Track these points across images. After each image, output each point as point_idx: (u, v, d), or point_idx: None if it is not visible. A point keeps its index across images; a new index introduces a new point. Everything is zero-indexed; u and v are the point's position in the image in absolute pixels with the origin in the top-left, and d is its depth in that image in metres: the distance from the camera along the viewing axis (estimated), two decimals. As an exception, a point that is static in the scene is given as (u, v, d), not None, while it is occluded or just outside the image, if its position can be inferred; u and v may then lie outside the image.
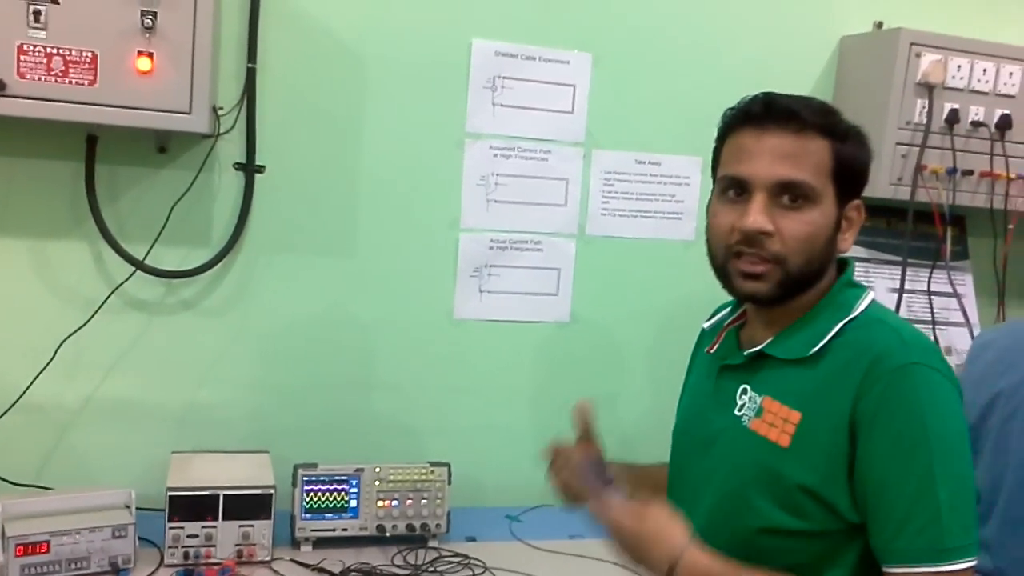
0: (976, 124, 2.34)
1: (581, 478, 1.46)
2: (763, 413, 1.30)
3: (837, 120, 1.29)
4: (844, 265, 1.36)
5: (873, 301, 1.31)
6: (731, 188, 1.29)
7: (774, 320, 1.34)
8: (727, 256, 1.29)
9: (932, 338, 2.42)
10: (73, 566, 1.74)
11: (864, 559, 1.25)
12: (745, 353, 1.36)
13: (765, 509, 1.27)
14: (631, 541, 1.29)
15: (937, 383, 1.20)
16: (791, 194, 1.24)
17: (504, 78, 2.23)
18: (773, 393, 1.30)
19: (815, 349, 1.26)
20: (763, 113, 1.26)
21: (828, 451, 1.22)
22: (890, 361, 1.19)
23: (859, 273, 2.39)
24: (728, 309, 1.51)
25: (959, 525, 1.17)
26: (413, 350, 2.26)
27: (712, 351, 1.46)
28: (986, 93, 2.35)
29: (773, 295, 1.28)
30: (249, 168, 2.07)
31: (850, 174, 1.28)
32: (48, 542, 1.72)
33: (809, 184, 1.24)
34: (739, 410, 1.34)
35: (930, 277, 2.47)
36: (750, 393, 1.34)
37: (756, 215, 1.24)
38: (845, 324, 1.27)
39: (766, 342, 1.33)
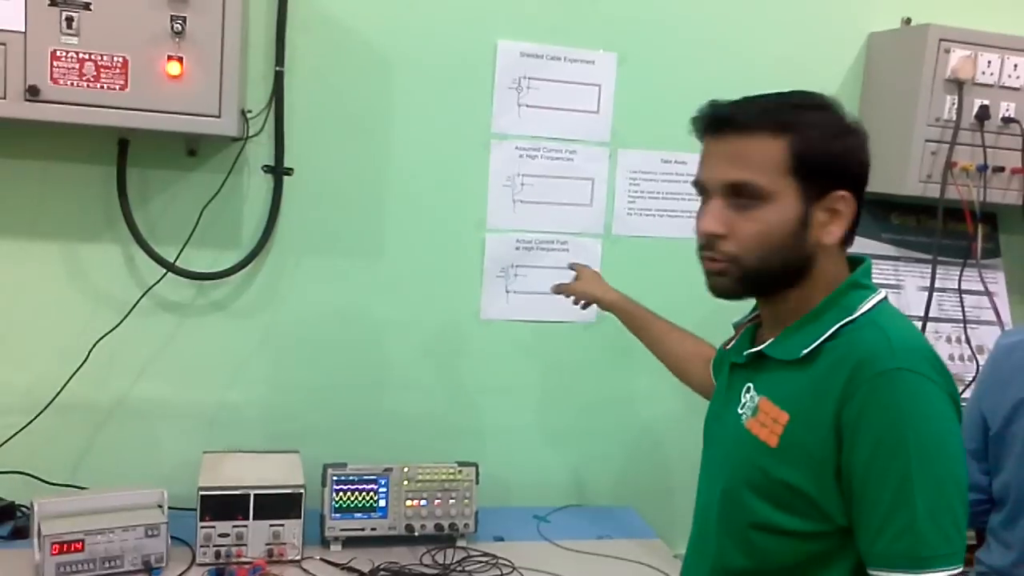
0: (1007, 120, 2.31)
1: None
2: (758, 413, 1.32)
3: (795, 115, 1.26)
4: (859, 263, 1.35)
5: (880, 303, 1.29)
6: (700, 193, 1.33)
7: (780, 319, 1.35)
8: (700, 256, 1.34)
9: (963, 337, 2.41)
10: (107, 564, 1.76)
11: (860, 566, 1.24)
12: (745, 353, 1.39)
13: (756, 506, 1.29)
14: None
15: (921, 388, 1.19)
16: (741, 195, 1.26)
17: (529, 79, 2.24)
18: (769, 393, 1.32)
19: (806, 351, 1.27)
20: (708, 119, 1.30)
21: (814, 453, 1.23)
22: (873, 366, 1.19)
23: (888, 271, 2.37)
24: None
25: (938, 534, 1.16)
26: (440, 350, 2.28)
27: (728, 348, 1.50)
28: (1017, 89, 2.32)
29: (734, 290, 1.31)
30: (278, 170, 2.09)
31: (817, 167, 1.26)
32: (83, 541, 1.74)
33: (755, 184, 1.25)
34: (741, 408, 1.37)
35: (961, 275, 2.44)
36: (752, 392, 1.36)
37: (707, 219, 1.29)
38: (842, 326, 1.26)
39: (768, 342, 1.35)
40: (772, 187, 1.25)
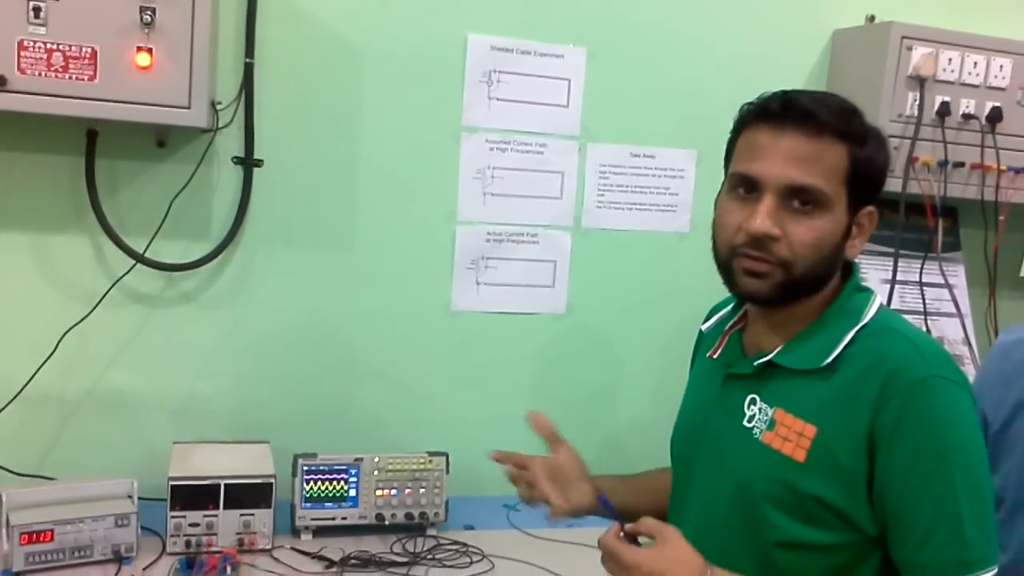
0: (967, 117, 2.37)
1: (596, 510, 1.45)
2: (776, 426, 1.27)
3: (857, 123, 1.24)
4: (849, 268, 1.33)
5: (881, 305, 1.29)
6: (741, 185, 1.25)
7: (780, 325, 1.31)
8: (731, 254, 1.26)
9: (924, 328, 2.46)
10: (77, 554, 1.76)
11: (883, 571, 1.24)
12: (755, 363, 1.32)
13: (782, 523, 1.24)
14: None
15: (955, 395, 1.19)
16: (801, 198, 1.21)
17: (499, 72, 2.25)
18: (786, 405, 1.27)
19: (829, 360, 1.23)
20: (781, 112, 1.22)
21: (846, 465, 1.20)
22: (908, 374, 1.18)
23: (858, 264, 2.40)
24: (726, 310, 1.47)
25: (982, 537, 1.16)
26: (411, 342, 2.29)
27: (715, 356, 1.42)
28: (977, 86, 2.37)
29: (773, 296, 1.25)
30: (247, 162, 2.09)
31: (865, 180, 1.24)
32: (52, 531, 1.74)
33: (821, 190, 1.20)
34: (748, 421, 1.31)
35: (922, 268, 2.49)
36: (760, 404, 1.30)
37: (763, 218, 1.21)
38: (857, 332, 1.24)
39: (775, 351, 1.30)
40: (832, 195, 1.21)
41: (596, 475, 1.57)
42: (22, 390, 2.00)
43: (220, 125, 2.04)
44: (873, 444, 1.18)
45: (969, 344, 2.50)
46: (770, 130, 1.22)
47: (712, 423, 1.38)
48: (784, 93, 1.25)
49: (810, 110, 1.21)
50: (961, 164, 2.38)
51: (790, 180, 1.20)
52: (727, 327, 1.43)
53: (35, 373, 2.00)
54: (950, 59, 2.34)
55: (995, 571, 1.17)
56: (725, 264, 1.28)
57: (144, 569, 1.78)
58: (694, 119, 2.37)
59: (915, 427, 1.16)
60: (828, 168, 1.21)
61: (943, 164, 2.36)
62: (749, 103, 1.29)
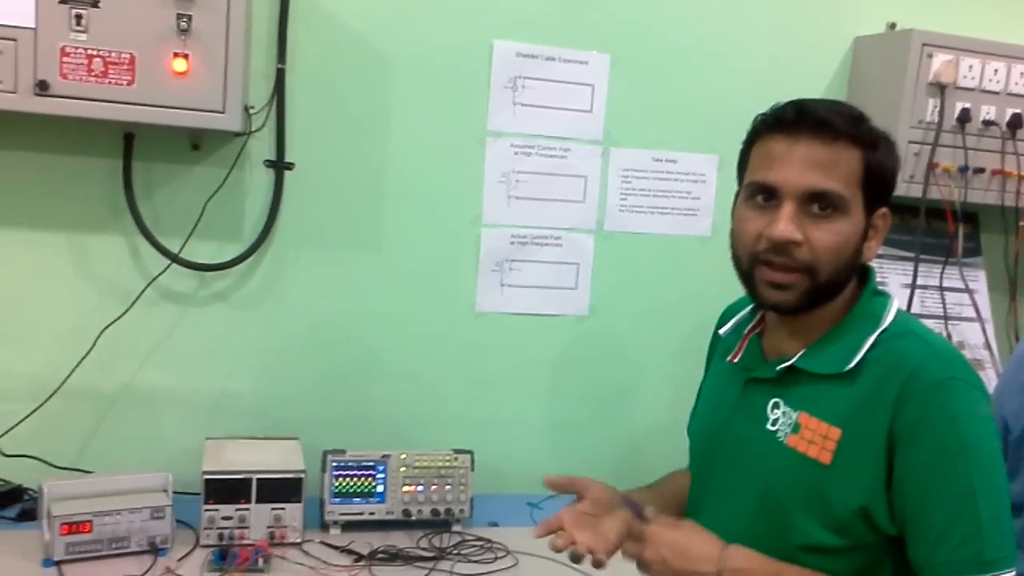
0: (987, 123, 2.38)
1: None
2: (801, 429, 1.28)
3: (868, 128, 1.27)
4: (865, 272, 1.34)
5: (899, 309, 1.31)
6: (759, 194, 1.26)
7: (801, 330, 1.32)
8: (753, 263, 1.27)
9: (945, 333, 2.47)
10: (114, 545, 1.81)
11: (900, 571, 1.25)
12: (777, 368, 1.32)
13: (808, 527, 1.25)
14: (671, 549, 1.27)
15: (971, 397, 1.20)
16: (820, 203, 1.22)
17: (525, 78, 2.29)
18: (810, 409, 1.28)
19: (852, 364, 1.25)
20: (795, 120, 1.24)
21: (868, 467, 1.21)
22: (927, 376, 1.19)
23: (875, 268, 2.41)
24: (743, 313, 1.47)
25: (999, 537, 1.17)
26: (436, 342, 2.33)
27: (735, 360, 1.42)
28: (997, 93, 2.39)
29: (799, 305, 1.26)
30: (279, 165, 2.14)
31: (878, 182, 1.27)
32: (91, 522, 1.78)
33: (839, 194, 1.22)
34: (772, 425, 1.32)
35: (942, 273, 2.51)
36: (783, 408, 1.32)
37: (785, 224, 1.22)
38: (877, 336, 1.26)
39: (797, 355, 1.31)
40: (850, 198, 1.23)
41: (624, 492, 1.51)
42: (61, 386, 2.05)
43: (253, 129, 2.08)
44: (892, 444, 1.20)
45: (990, 349, 2.51)
46: (786, 138, 1.24)
47: (734, 427, 1.39)
48: (797, 102, 1.27)
49: (824, 117, 1.23)
50: (982, 170, 2.40)
51: (809, 186, 1.22)
52: (746, 331, 1.43)
53: (73, 369, 2.05)
54: (971, 66, 2.35)
55: (1012, 573, 1.17)
56: (747, 273, 1.29)
57: (179, 560, 1.82)
58: (716, 125, 2.40)
59: (932, 428, 1.18)
60: (844, 173, 1.23)
61: (964, 170, 2.37)
62: (762, 114, 1.31)
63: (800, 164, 1.23)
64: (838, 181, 1.22)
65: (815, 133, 1.23)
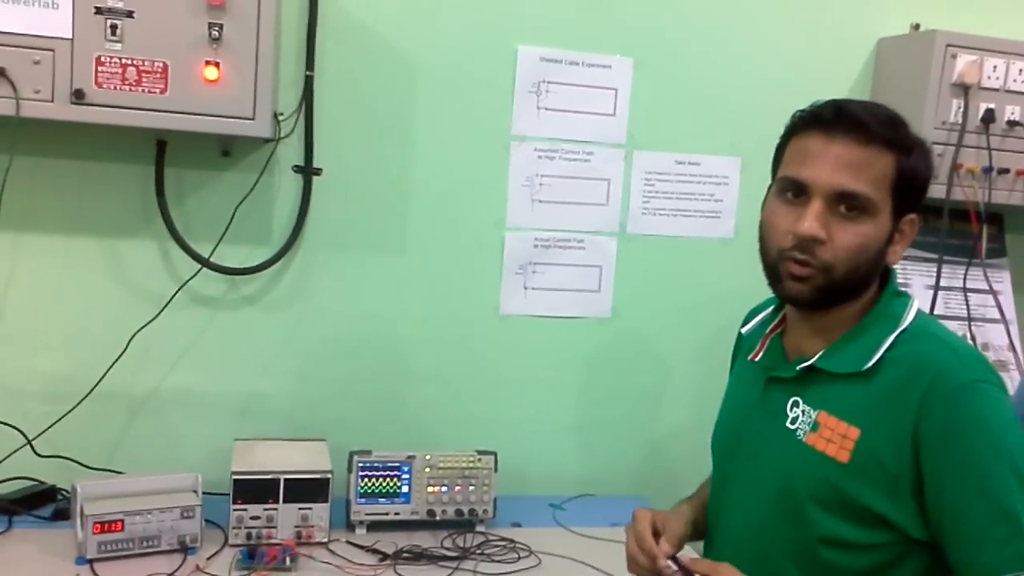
0: (1012, 123, 2.37)
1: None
2: (820, 428, 1.29)
3: (904, 133, 1.27)
4: (887, 273, 1.35)
5: (919, 310, 1.32)
6: (789, 189, 1.28)
7: (821, 329, 1.34)
8: (779, 257, 1.29)
9: (968, 335, 2.46)
10: (145, 544, 1.84)
11: (927, 571, 1.26)
12: (797, 367, 1.34)
13: (825, 522, 1.27)
14: None
15: (998, 399, 1.22)
16: (848, 204, 1.24)
17: (548, 83, 2.31)
18: (829, 408, 1.30)
19: (870, 364, 1.26)
20: (833, 119, 1.25)
21: (890, 468, 1.22)
22: (950, 380, 1.21)
23: (895, 269, 2.45)
24: (766, 313, 1.50)
25: None
26: (461, 344, 2.35)
27: (756, 359, 1.44)
28: (1022, 93, 2.37)
29: (814, 299, 1.28)
30: (307, 171, 2.17)
31: (910, 188, 1.27)
32: (122, 521, 1.82)
33: (868, 196, 1.23)
34: (792, 423, 1.34)
35: (966, 274, 2.49)
36: (803, 406, 1.33)
37: (812, 222, 1.24)
38: (897, 337, 1.27)
39: (817, 355, 1.33)
40: (879, 202, 1.24)
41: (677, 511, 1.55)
42: (94, 388, 2.09)
43: (282, 135, 2.11)
44: (919, 450, 1.21)
45: (1014, 350, 2.50)
46: (822, 136, 1.25)
47: (754, 425, 1.41)
48: (835, 101, 1.28)
49: (861, 119, 1.24)
50: (1006, 171, 2.38)
51: (839, 186, 1.23)
52: (768, 330, 1.45)
53: (106, 372, 2.09)
54: (995, 66, 2.34)
55: None
56: (773, 266, 1.31)
57: (208, 559, 1.85)
58: (738, 127, 2.41)
59: (963, 434, 1.19)
60: (876, 176, 1.24)
61: (988, 170, 2.36)
62: (801, 110, 1.32)
63: (833, 163, 1.24)
64: (868, 183, 1.24)
65: (851, 133, 1.24)
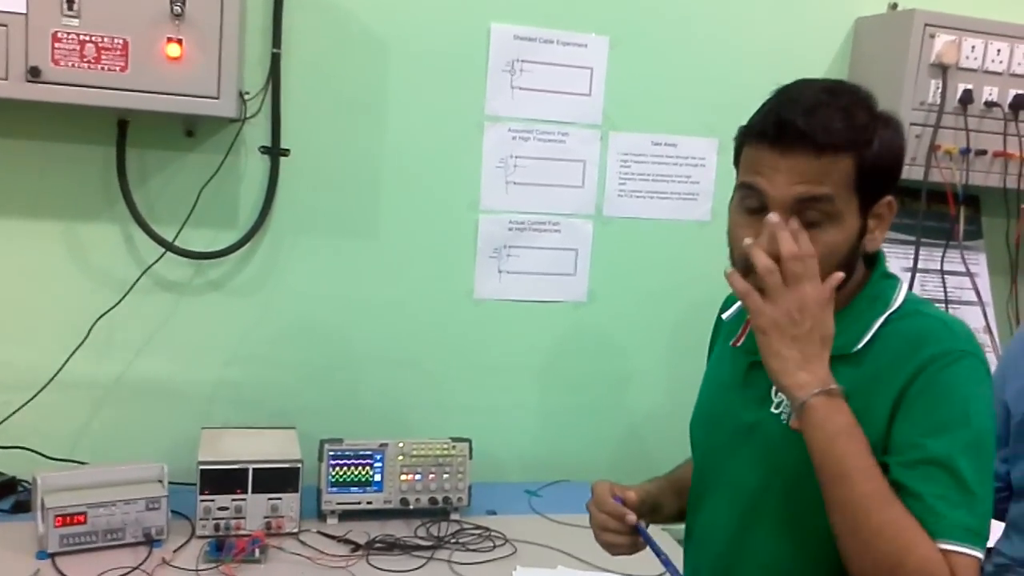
0: (990, 104, 2.37)
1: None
2: None
3: (862, 124, 1.21)
4: (874, 255, 1.33)
5: (909, 291, 1.30)
6: (748, 198, 1.24)
7: None
8: (746, 269, 1.24)
9: (945, 317, 2.46)
10: (109, 536, 1.80)
11: None
12: None
13: (815, 496, 1.22)
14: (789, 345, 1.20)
15: (979, 372, 1.20)
16: (808, 216, 1.20)
17: (522, 61, 2.27)
18: None
19: (861, 344, 1.24)
20: (777, 136, 1.20)
21: (876, 445, 1.19)
22: (938, 347, 1.19)
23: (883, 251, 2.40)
24: None
25: (982, 507, 1.15)
26: (434, 329, 2.32)
27: (738, 344, 1.41)
28: (1000, 73, 2.37)
29: None
30: (274, 151, 2.12)
31: (877, 178, 1.22)
32: (85, 513, 1.78)
33: (827, 205, 1.19)
34: (776, 408, 1.31)
35: (943, 256, 2.50)
36: None
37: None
38: (888, 317, 1.25)
39: None
40: (842, 206, 1.20)
41: (640, 484, 1.54)
42: (55, 376, 2.04)
43: (248, 115, 2.07)
44: (895, 410, 1.19)
45: (990, 332, 2.50)
46: (770, 149, 1.20)
47: (736, 410, 1.38)
48: (778, 112, 1.21)
49: (806, 131, 1.18)
50: (983, 152, 2.38)
51: (796, 195, 1.19)
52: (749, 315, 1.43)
53: (67, 359, 2.04)
54: (973, 46, 2.33)
55: (980, 557, 1.14)
56: (743, 274, 1.26)
57: (174, 552, 1.82)
58: (716, 108, 2.38)
59: (938, 392, 1.17)
60: (834, 180, 1.19)
61: (965, 152, 2.36)
62: (744, 125, 1.26)
63: (785, 177, 1.19)
64: (826, 190, 1.19)
65: (799, 147, 1.18)
